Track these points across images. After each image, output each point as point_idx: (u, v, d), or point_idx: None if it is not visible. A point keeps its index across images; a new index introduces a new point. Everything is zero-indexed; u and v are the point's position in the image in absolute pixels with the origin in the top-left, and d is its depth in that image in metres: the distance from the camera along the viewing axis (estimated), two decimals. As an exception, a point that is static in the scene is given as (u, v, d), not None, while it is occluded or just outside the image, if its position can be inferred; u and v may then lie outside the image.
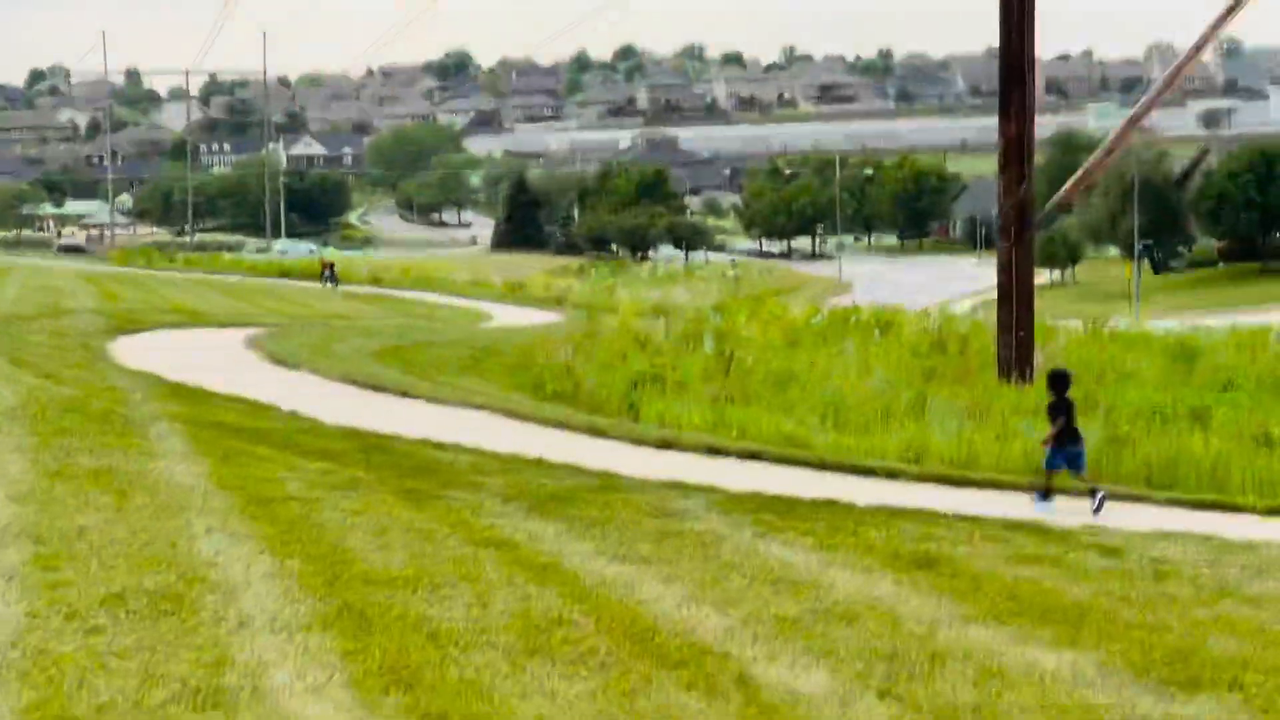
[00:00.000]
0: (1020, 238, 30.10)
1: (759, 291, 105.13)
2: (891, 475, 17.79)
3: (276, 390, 22.59)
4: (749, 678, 9.06)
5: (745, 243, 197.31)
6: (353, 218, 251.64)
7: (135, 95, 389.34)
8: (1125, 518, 15.42)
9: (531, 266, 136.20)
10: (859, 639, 10.02)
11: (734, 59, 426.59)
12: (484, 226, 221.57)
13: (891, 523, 14.41)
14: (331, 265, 70.48)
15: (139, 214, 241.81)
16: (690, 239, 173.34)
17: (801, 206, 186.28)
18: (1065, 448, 16.60)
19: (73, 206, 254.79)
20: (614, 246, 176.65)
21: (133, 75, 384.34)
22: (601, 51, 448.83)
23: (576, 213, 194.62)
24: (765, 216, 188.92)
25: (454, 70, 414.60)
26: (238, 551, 11.59)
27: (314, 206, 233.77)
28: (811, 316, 39.84)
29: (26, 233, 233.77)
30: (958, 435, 20.71)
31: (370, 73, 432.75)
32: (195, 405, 20.39)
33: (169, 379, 23.14)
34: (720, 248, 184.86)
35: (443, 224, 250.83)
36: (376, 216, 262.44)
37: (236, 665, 8.75)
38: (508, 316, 48.92)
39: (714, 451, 18.95)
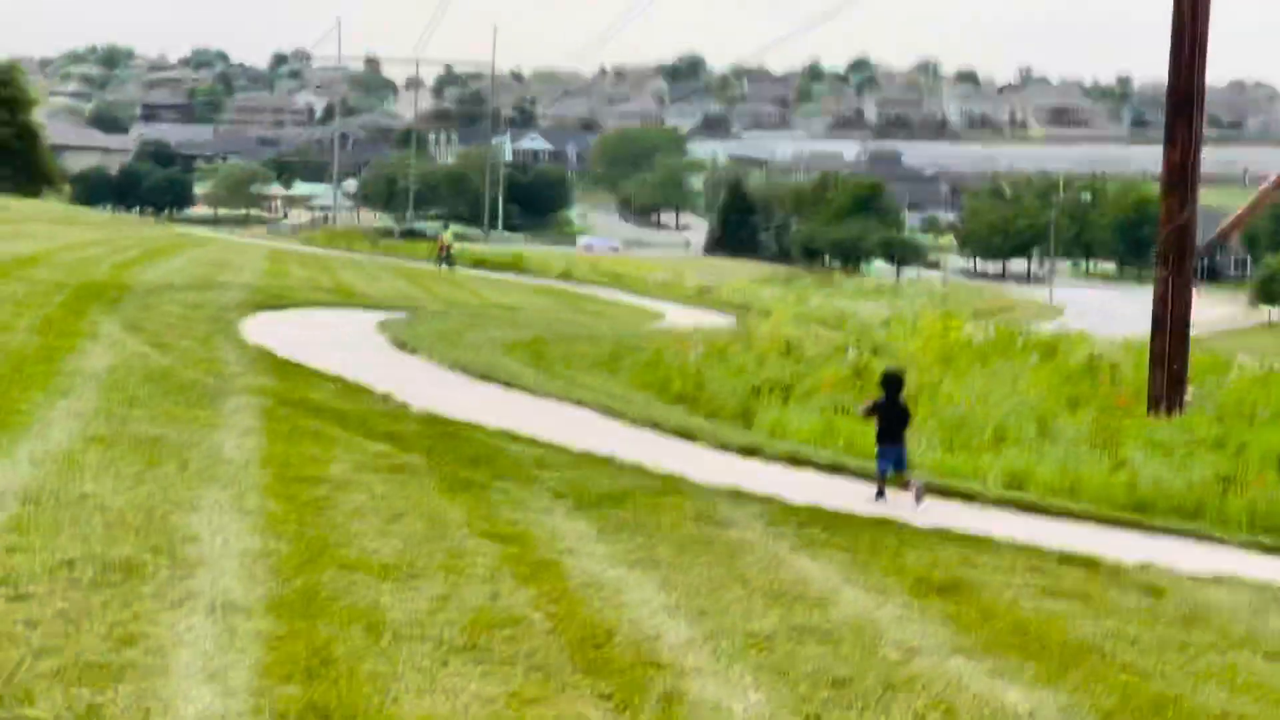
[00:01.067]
0: (1179, 267, 29.16)
1: (963, 310, 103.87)
2: (969, 498, 17.14)
3: (381, 373, 22.43)
4: (678, 693, 8.64)
5: (960, 261, 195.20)
6: (572, 214, 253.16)
7: (372, 82, 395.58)
8: (1192, 559, 14.68)
9: (738, 272, 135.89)
10: (823, 661, 9.54)
11: (968, 77, 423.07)
12: (701, 230, 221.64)
13: (939, 546, 13.85)
14: (448, 247, 70.39)
15: (363, 198, 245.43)
16: (903, 254, 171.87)
17: (1020, 228, 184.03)
18: (885, 448, 16.77)
19: (300, 188, 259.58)
20: (826, 258, 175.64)
21: (371, 63, 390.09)
22: (835, 62, 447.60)
23: (793, 222, 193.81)
24: (982, 236, 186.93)
25: (685, 73, 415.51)
26: (231, 528, 11.38)
27: (534, 200, 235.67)
28: (972, 335, 38.99)
29: (254, 211, 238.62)
30: (1062, 463, 19.98)
31: (603, 71, 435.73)
32: (289, 381, 20.30)
33: (279, 355, 23.09)
34: (934, 265, 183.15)
35: (660, 225, 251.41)
36: (595, 214, 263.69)
37: (145, 643, 8.51)
38: (682, 318, 48.52)
39: (797, 462, 18.42)
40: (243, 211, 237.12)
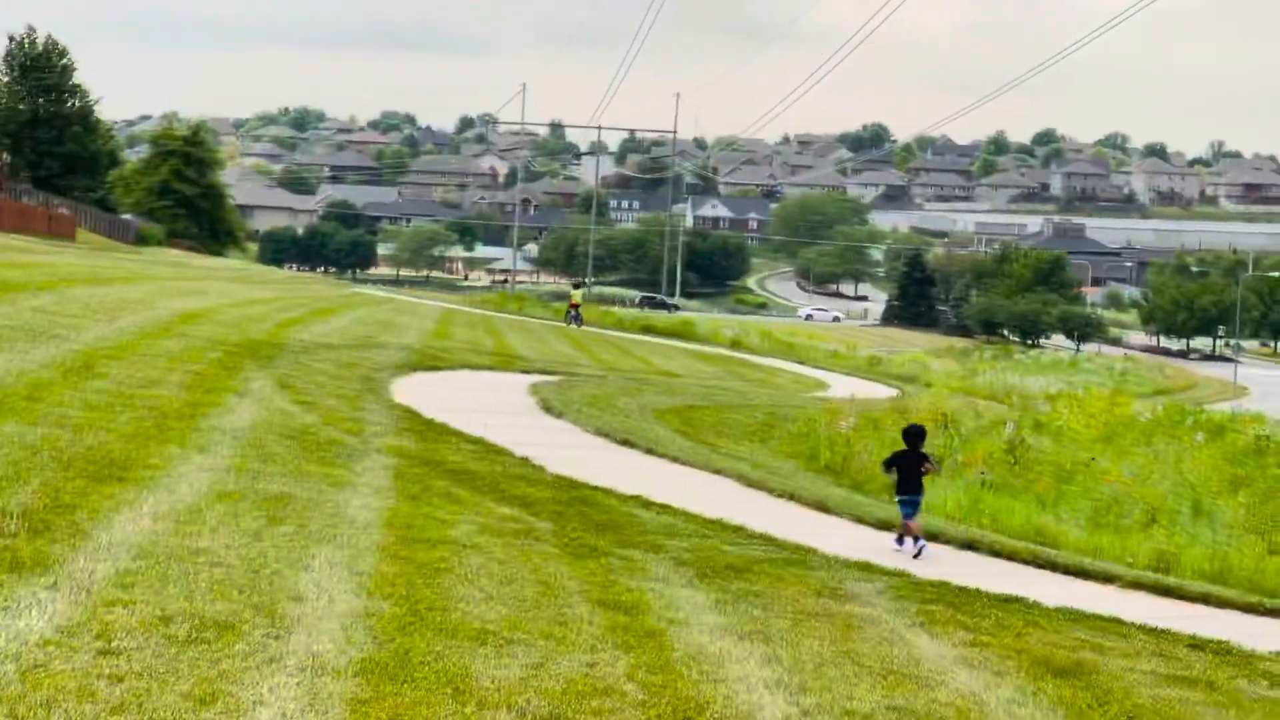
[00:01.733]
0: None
1: (1142, 387, 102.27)
2: (1107, 579, 16.72)
3: (522, 436, 22.42)
4: (760, 772, 8.43)
5: (1143, 338, 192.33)
6: (750, 282, 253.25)
7: (556, 147, 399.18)
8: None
9: (913, 343, 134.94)
10: (919, 744, 9.28)
11: (1157, 151, 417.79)
12: (880, 301, 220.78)
13: (1065, 627, 13.52)
14: (577, 305, 72.27)
15: (543, 262, 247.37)
16: (1083, 329, 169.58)
17: (1205, 305, 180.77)
18: (905, 497, 17.77)
19: (481, 251, 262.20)
20: (1004, 331, 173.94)
21: (556, 128, 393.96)
22: (1020, 135, 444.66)
23: (972, 295, 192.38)
24: (1166, 312, 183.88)
25: (869, 143, 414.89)
26: (338, 588, 11.33)
27: (713, 268, 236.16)
28: (1139, 413, 38.28)
29: (436, 273, 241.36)
30: (1213, 547, 19.47)
31: (786, 140, 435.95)
32: (428, 442, 20.33)
33: (425, 415, 23.14)
34: (1116, 341, 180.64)
35: (839, 295, 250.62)
36: (774, 283, 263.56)
37: (225, 701, 8.46)
38: (846, 389, 48.13)
39: (931, 538, 18.09)
40: (424, 273, 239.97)
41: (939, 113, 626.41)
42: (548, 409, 26.57)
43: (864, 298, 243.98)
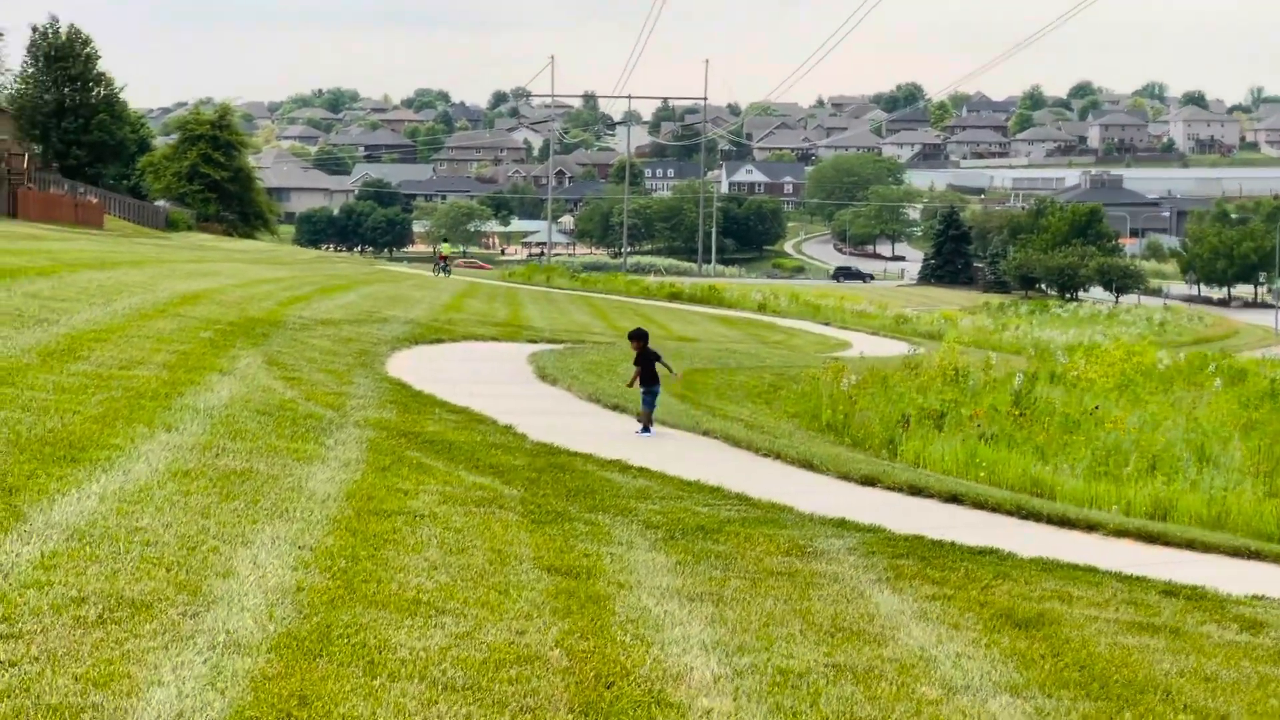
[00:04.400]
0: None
1: (1182, 338, 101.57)
2: (1091, 528, 16.35)
3: (512, 404, 22.16)
4: (673, 736, 8.12)
5: (1183, 288, 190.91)
6: (787, 246, 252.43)
7: (589, 118, 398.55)
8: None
9: (949, 301, 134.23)
10: (849, 702, 8.98)
11: (1195, 99, 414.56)
12: (917, 260, 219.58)
13: (1036, 578, 13.19)
14: (445, 256, 78.41)
15: (579, 234, 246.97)
16: (1121, 281, 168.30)
17: (1245, 252, 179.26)
18: (646, 391, 21.42)
19: (518, 225, 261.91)
20: (1042, 286, 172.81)
21: (588, 99, 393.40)
22: (1056, 89, 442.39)
23: (1009, 250, 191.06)
24: (1205, 261, 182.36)
25: (903, 102, 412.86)
26: (274, 564, 11.04)
27: (749, 233, 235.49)
28: (1159, 361, 37.80)
29: (473, 248, 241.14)
30: (1212, 492, 19.07)
31: (820, 103, 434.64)
32: (410, 414, 20.05)
33: (414, 387, 22.88)
34: (1156, 292, 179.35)
35: (876, 255, 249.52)
36: (811, 246, 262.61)
37: (121, 683, 8.18)
38: (869, 347, 47.75)
39: (916, 491, 17.76)
40: (460, 249, 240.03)
41: (971, 67, 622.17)
42: (543, 376, 26.29)
43: (901, 258, 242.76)
